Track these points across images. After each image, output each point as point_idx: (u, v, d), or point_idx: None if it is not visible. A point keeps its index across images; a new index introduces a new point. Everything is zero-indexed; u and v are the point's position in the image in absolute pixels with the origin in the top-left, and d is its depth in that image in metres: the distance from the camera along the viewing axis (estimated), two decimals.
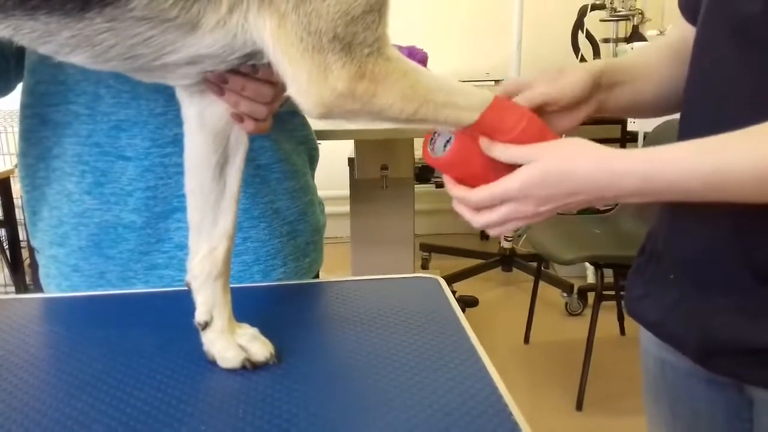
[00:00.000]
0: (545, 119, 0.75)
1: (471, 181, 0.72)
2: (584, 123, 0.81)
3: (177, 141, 0.90)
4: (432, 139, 0.73)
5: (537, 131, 0.71)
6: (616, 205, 2.85)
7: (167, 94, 0.88)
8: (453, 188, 0.73)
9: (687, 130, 0.76)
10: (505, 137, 0.70)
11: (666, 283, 0.81)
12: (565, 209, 0.70)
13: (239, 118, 0.73)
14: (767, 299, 0.70)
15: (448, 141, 0.71)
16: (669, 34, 0.91)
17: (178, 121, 0.89)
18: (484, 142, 0.70)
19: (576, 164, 0.67)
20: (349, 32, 0.59)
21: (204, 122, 0.73)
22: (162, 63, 0.62)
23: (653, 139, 2.37)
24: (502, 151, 0.69)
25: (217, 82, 0.70)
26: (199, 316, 0.76)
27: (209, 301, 0.76)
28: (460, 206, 0.73)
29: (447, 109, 0.66)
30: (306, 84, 0.60)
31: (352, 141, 2.53)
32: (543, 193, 0.68)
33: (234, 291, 0.78)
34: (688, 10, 0.82)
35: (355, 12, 0.59)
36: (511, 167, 0.69)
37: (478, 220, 0.71)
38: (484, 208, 0.70)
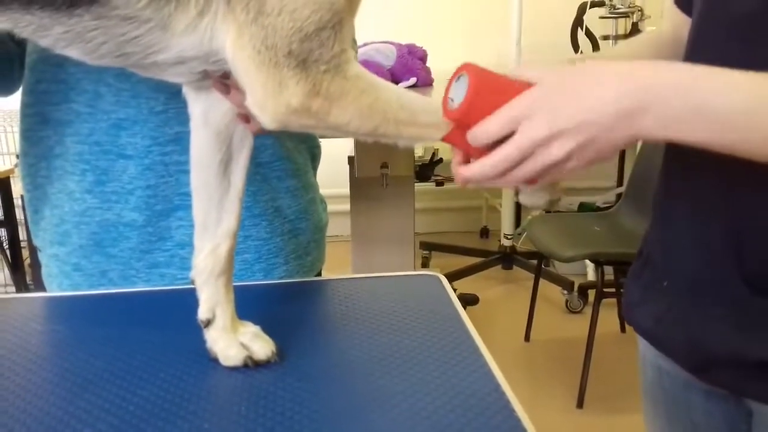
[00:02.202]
0: None
1: None
2: None
3: (178, 139, 0.90)
4: (450, 91, 0.66)
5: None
6: (617, 202, 2.86)
7: (168, 93, 0.88)
8: (460, 167, 0.66)
9: None
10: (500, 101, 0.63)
11: (660, 290, 0.79)
12: (599, 137, 0.60)
13: (245, 118, 0.73)
14: (761, 310, 0.68)
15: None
16: (661, 28, 0.89)
17: (178, 120, 0.89)
18: (470, 135, 0.64)
19: (578, 72, 0.61)
20: (304, 49, 0.59)
21: (208, 120, 0.73)
22: (152, 61, 0.63)
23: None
24: (497, 119, 0.62)
25: (222, 81, 0.70)
26: (202, 314, 0.76)
27: (212, 299, 0.76)
28: (476, 166, 0.64)
29: (410, 127, 0.65)
30: (262, 97, 0.61)
31: (352, 139, 2.53)
32: (547, 105, 0.60)
33: (236, 289, 0.78)
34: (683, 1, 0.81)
35: (309, 29, 0.59)
36: None
37: (494, 161, 0.62)
38: (497, 145, 0.62)
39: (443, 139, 0.67)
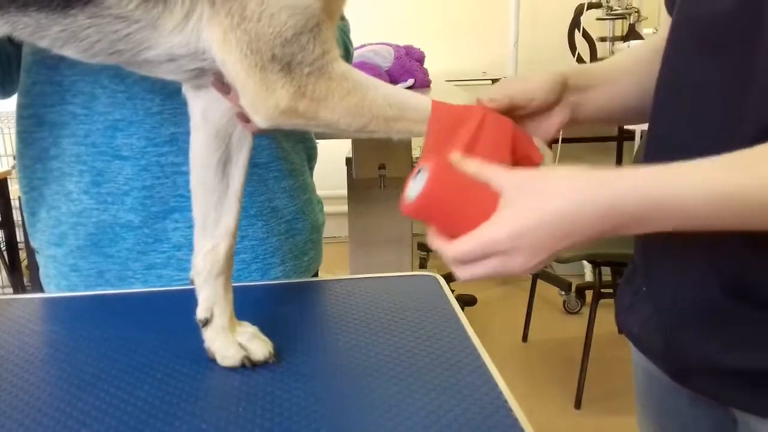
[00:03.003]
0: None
1: (452, 228, 0.63)
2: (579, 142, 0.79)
3: (173, 140, 0.90)
4: (409, 186, 0.65)
5: (499, 128, 0.66)
6: None
7: (163, 94, 0.88)
8: (434, 239, 0.65)
9: (656, 133, 0.74)
10: (462, 137, 0.64)
11: (642, 296, 0.78)
12: (556, 256, 0.61)
13: (243, 117, 0.73)
14: (737, 317, 0.66)
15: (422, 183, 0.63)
16: (657, 34, 0.87)
17: (174, 121, 0.89)
18: (455, 156, 0.63)
19: (567, 199, 0.59)
20: (287, 53, 0.61)
21: (207, 119, 0.74)
22: (143, 59, 0.65)
23: None
24: (477, 168, 0.62)
25: (222, 81, 0.70)
26: (200, 313, 0.76)
27: (210, 299, 0.76)
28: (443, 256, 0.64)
29: (398, 124, 0.66)
30: (252, 99, 0.63)
31: (350, 140, 2.53)
32: (537, 240, 0.59)
33: (234, 289, 0.78)
34: (671, 5, 0.79)
35: (287, 34, 0.61)
36: (496, 203, 0.61)
37: (461, 274, 0.63)
38: (468, 261, 0.62)
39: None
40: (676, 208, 0.58)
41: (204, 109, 0.74)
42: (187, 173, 0.90)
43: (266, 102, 0.62)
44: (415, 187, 0.63)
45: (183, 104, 0.76)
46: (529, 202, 0.60)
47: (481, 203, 0.61)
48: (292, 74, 0.62)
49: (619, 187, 0.59)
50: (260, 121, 0.64)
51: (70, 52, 0.65)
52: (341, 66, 0.64)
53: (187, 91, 0.74)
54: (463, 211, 0.62)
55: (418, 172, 0.64)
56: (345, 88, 0.64)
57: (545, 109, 0.76)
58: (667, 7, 0.82)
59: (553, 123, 0.77)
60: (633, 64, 0.84)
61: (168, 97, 0.88)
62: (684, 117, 0.69)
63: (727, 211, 0.58)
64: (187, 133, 0.84)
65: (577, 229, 0.59)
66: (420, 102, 0.67)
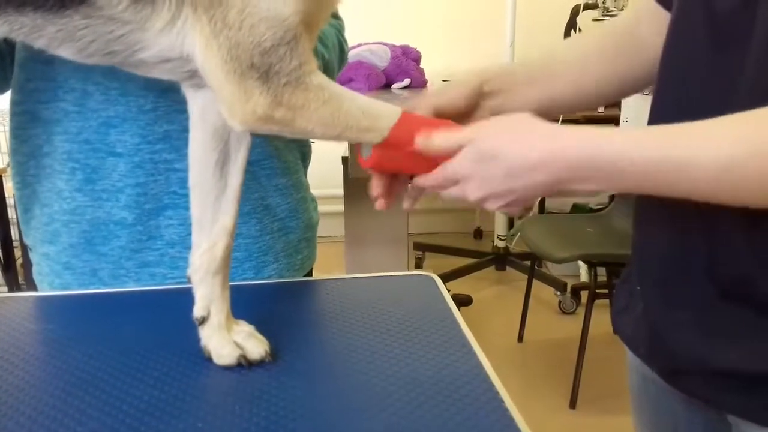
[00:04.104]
0: None
1: (410, 170, 0.72)
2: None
3: (166, 138, 0.90)
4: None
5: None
6: (610, 203, 2.87)
7: (157, 91, 0.88)
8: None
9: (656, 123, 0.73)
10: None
11: (636, 295, 0.78)
12: (523, 196, 0.67)
13: None
14: (732, 318, 0.66)
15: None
16: (619, 18, 0.88)
17: (167, 118, 0.89)
18: (420, 138, 0.69)
19: (508, 140, 0.65)
20: (265, 62, 0.63)
21: (205, 117, 0.74)
22: (138, 60, 0.67)
23: None
24: (444, 139, 0.68)
25: None
26: (197, 311, 0.76)
27: (207, 297, 0.76)
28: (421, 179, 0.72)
29: (371, 133, 0.69)
30: (230, 104, 0.65)
31: None
32: (480, 173, 0.66)
33: (231, 288, 0.78)
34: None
35: (266, 45, 0.62)
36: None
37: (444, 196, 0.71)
38: (440, 188, 0.70)
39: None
40: (610, 167, 0.62)
41: (202, 108, 0.74)
42: (180, 170, 0.90)
43: (243, 108, 0.64)
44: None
45: (176, 101, 0.76)
46: (487, 141, 0.66)
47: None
48: (270, 83, 0.64)
49: (567, 139, 0.64)
50: (236, 125, 0.66)
51: (66, 53, 0.66)
52: (318, 77, 0.66)
53: (186, 90, 0.75)
54: (415, 159, 0.70)
55: None
56: (321, 98, 0.65)
57: (467, 113, 0.80)
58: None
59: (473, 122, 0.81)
60: (575, 63, 0.85)
61: (161, 94, 0.88)
62: (685, 108, 0.69)
63: (656, 178, 0.60)
64: (181, 130, 0.83)
65: (522, 173, 0.64)
66: (392, 111, 0.70)
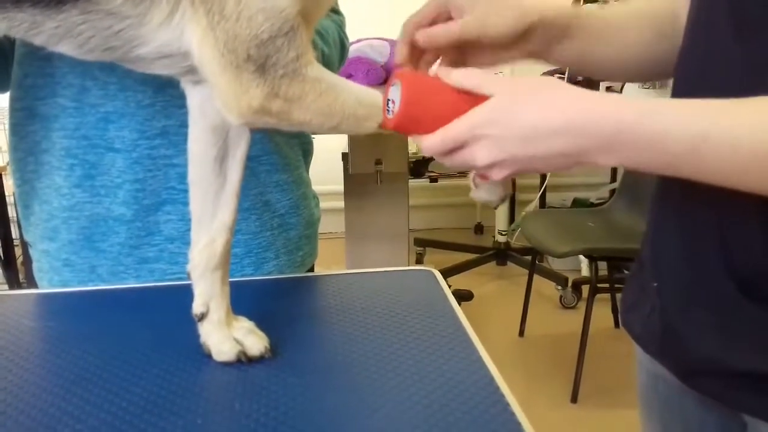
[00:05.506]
0: (462, 52, 0.72)
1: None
2: None
3: (165, 133, 0.90)
4: (387, 108, 0.67)
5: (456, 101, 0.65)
6: (611, 197, 2.86)
7: (155, 86, 0.88)
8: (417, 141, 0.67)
9: None
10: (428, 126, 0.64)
11: (650, 292, 0.76)
12: (533, 166, 0.62)
13: None
14: (747, 316, 0.64)
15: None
16: (654, 2, 0.82)
17: (165, 113, 0.89)
18: (441, 71, 0.65)
19: (532, 100, 0.60)
20: (262, 54, 0.63)
21: (205, 113, 0.74)
22: (136, 55, 0.67)
23: None
24: (464, 76, 0.63)
25: None
26: (197, 308, 0.76)
27: (207, 293, 0.76)
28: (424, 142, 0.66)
29: (369, 122, 0.69)
30: (226, 96, 0.65)
31: (346, 136, 2.52)
32: (494, 132, 0.60)
33: (231, 284, 0.78)
34: None
35: (263, 36, 0.62)
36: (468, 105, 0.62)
37: (448, 162, 0.65)
38: (446, 152, 0.63)
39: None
40: (648, 139, 0.57)
41: (201, 103, 0.74)
42: (179, 166, 0.90)
43: (239, 100, 0.64)
44: (392, 101, 0.65)
45: (174, 96, 0.76)
46: (507, 97, 0.60)
47: (454, 106, 0.63)
48: (266, 75, 0.63)
49: (604, 103, 0.59)
50: (233, 118, 0.66)
51: (66, 49, 0.66)
52: (315, 69, 0.66)
53: (185, 85, 0.75)
54: (440, 114, 0.63)
55: (393, 85, 0.65)
56: (318, 90, 0.65)
57: (497, 47, 0.74)
58: None
59: (499, 58, 0.75)
60: (633, 35, 0.80)
61: (160, 89, 0.88)
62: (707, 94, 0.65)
63: (695, 154, 0.56)
64: (179, 126, 0.83)
65: (542, 138, 0.59)
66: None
